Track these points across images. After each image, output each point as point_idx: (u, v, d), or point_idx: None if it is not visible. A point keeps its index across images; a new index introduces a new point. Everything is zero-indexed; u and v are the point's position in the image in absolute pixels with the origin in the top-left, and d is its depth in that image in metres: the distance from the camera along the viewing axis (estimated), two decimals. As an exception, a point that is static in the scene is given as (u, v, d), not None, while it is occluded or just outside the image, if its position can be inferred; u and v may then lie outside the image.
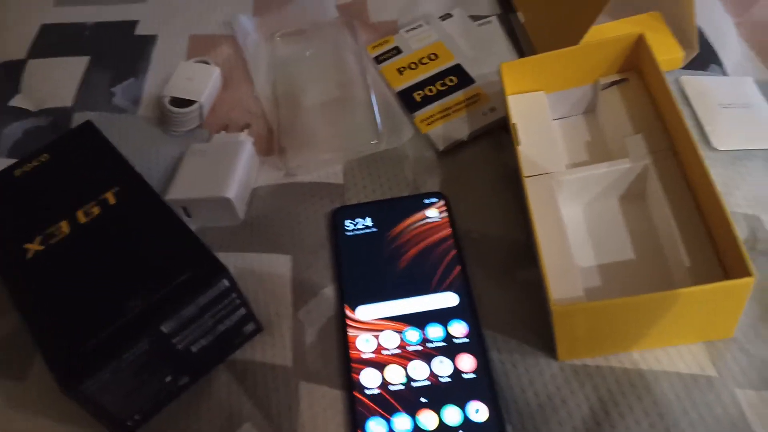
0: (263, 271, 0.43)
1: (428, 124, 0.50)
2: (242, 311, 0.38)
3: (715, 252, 0.34)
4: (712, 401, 0.33)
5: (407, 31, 0.58)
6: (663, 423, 0.32)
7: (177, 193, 0.46)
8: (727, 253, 0.33)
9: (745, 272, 0.30)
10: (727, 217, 0.32)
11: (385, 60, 0.56)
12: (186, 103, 0.53)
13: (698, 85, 0.46)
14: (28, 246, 0.38)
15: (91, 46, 0.63)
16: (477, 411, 0.35)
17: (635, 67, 0.44)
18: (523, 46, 0.53)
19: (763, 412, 0.32)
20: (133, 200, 0.40)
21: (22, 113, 0.58)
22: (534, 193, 0.39)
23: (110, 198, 0.40)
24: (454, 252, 0.42)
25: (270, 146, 0.51)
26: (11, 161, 0.47)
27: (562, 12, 0.47)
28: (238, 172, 0.47)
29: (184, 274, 0.35)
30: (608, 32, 0.47)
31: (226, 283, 0.35)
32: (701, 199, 0.35)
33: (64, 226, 0.39)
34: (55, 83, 0.60)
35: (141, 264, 0.36)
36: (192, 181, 0.46)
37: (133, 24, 0.65)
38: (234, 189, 0.45)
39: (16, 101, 0.59)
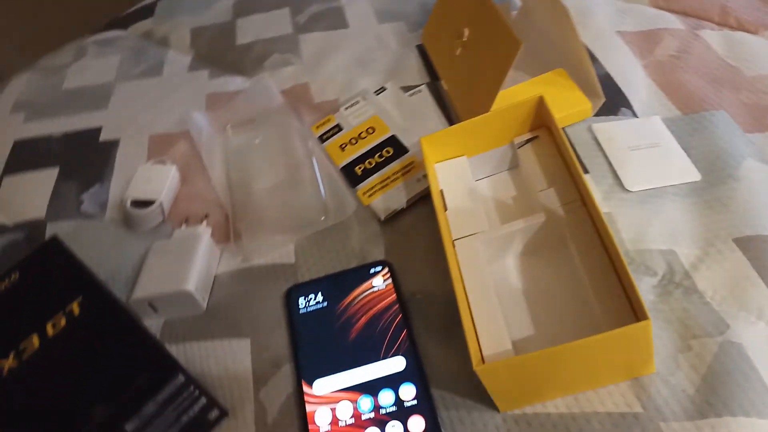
0: (226, 356, 0.46)
1: (369, 196, 0.53)
2: (203, 400, 0.40)
3: (627, 298, 0.37)
4: (640, 435, 0.35)
5: (346, 108, 0.62)
6: (595, 462, 0.34)
7: (142, 291, 0.49)
8: (631, 297, 0.35)
9: (643, 316, 0.33)
10: (624, 266, 0.35)
11: (328, 138, 0.60)
12: (147, 203, 0.57)
13: (608, 131, 0.49)
14: (3, 362, 0.41)
15: (60, 158, 0.67)
16: (429, 471, 0.37)
17: (544, 124, 0.47)
18: (450, 112, 0.57)
19: (686, 441, 0.34)
20: (95, 308, 0.43)
21: (-1, 229, 0.62)
22: (462, 254, 0.42)
23: (75, 308, 0.43)
24: (399, 317, 0.44)
25: (227, 234, 0.55)
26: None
27: (473, 81, 0.51)
28: (198, 265, 0.50)
29: (141, 375, 0.38)
30: (518, 94, 0.51)
31: (181, 378, 0.38)
32: (608, 247, 0.38)
33: (35, 340, 0.42)
34: (29, 197, 0.64)
35: (103, 370, 0.39)
36: (156, 277, 0.50)
37: (97, 131, 0.69)
38: (194, 281, 0.49)
39: (-6, 218, 0.63)
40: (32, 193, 0.64)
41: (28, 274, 0.47)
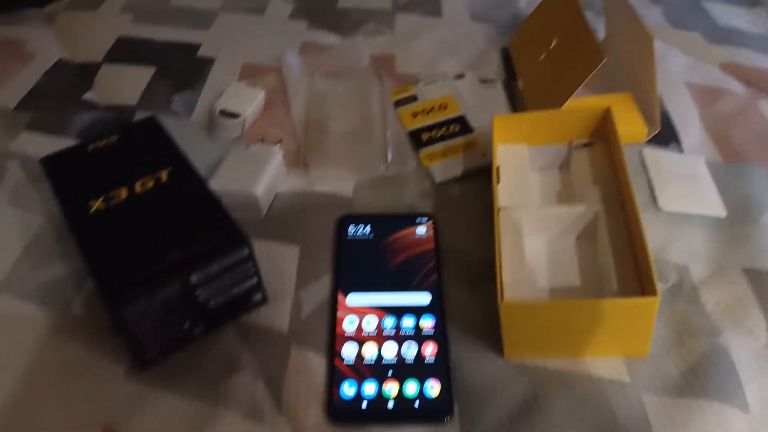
0: (275, 255, 0.51)
1: (430, 159, 0.59)
2: (254, 280, 0.46)
3: (640, 284, 0.42)
4: (621, 400, 0.40)
5: (426, 84, 0.68)
6: (579, 411, 0.40)
7: (216, 184, 0.55)
8: (645, 280, 0.41)
9: (653, 293, 0.38)
10: (647, 250, 0.40)
11: (403, 104, 0.66)
12: (232, 115, 0.63)
13: (656, 157, 0.55)
14: (93, 203, 0.47)
15: (158, 60, 0.74)
16: (432, 387, 0.42)
17: (603, 134, 0.53)
18: (518, 108, 0.63)
19: (661, 411, 0.39)
20: (182, 180, 0.49)
21: (91, 106, 0.69)
22: (504, 222, 0.48)
23: (163, 176, 0.49)
24: (433, 262, 0.50)
25: (296, 160, 0.61)
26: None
27: (551, 83, 0.57)
28: (267, 176, 0.56)
29: (214, 239, 0.44)
30: (586, 104, 0.57)
31: (246, 252, 0.44)
32: (635, 242, 0.44)
33: (123, 192, 0.48)
34: (123, 85, 0.71)
35: (181, 227, 0.45)
36: (229, 176, 0.56)
37: (196, 47, 0.76)
38: (261, 188, 0.55)
39: (88, 96, 0.70)
40: (127, 83, 0.71)
41: (127, 139, 0.54)
